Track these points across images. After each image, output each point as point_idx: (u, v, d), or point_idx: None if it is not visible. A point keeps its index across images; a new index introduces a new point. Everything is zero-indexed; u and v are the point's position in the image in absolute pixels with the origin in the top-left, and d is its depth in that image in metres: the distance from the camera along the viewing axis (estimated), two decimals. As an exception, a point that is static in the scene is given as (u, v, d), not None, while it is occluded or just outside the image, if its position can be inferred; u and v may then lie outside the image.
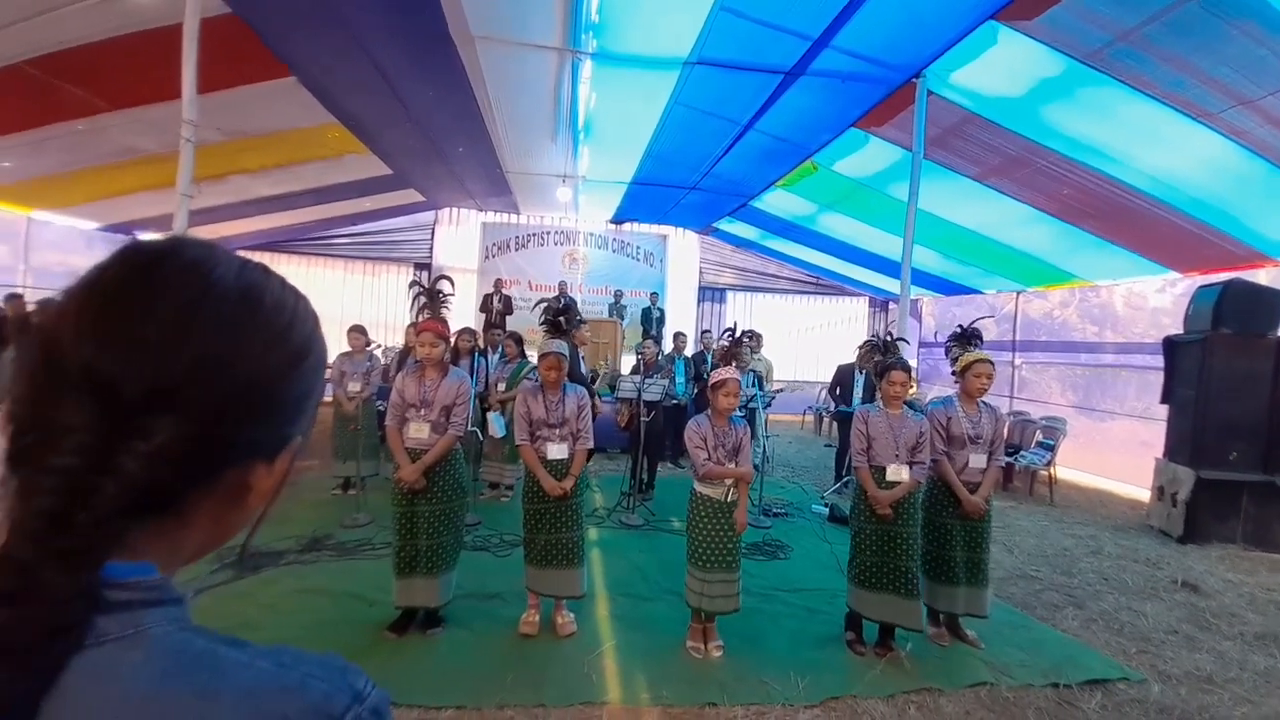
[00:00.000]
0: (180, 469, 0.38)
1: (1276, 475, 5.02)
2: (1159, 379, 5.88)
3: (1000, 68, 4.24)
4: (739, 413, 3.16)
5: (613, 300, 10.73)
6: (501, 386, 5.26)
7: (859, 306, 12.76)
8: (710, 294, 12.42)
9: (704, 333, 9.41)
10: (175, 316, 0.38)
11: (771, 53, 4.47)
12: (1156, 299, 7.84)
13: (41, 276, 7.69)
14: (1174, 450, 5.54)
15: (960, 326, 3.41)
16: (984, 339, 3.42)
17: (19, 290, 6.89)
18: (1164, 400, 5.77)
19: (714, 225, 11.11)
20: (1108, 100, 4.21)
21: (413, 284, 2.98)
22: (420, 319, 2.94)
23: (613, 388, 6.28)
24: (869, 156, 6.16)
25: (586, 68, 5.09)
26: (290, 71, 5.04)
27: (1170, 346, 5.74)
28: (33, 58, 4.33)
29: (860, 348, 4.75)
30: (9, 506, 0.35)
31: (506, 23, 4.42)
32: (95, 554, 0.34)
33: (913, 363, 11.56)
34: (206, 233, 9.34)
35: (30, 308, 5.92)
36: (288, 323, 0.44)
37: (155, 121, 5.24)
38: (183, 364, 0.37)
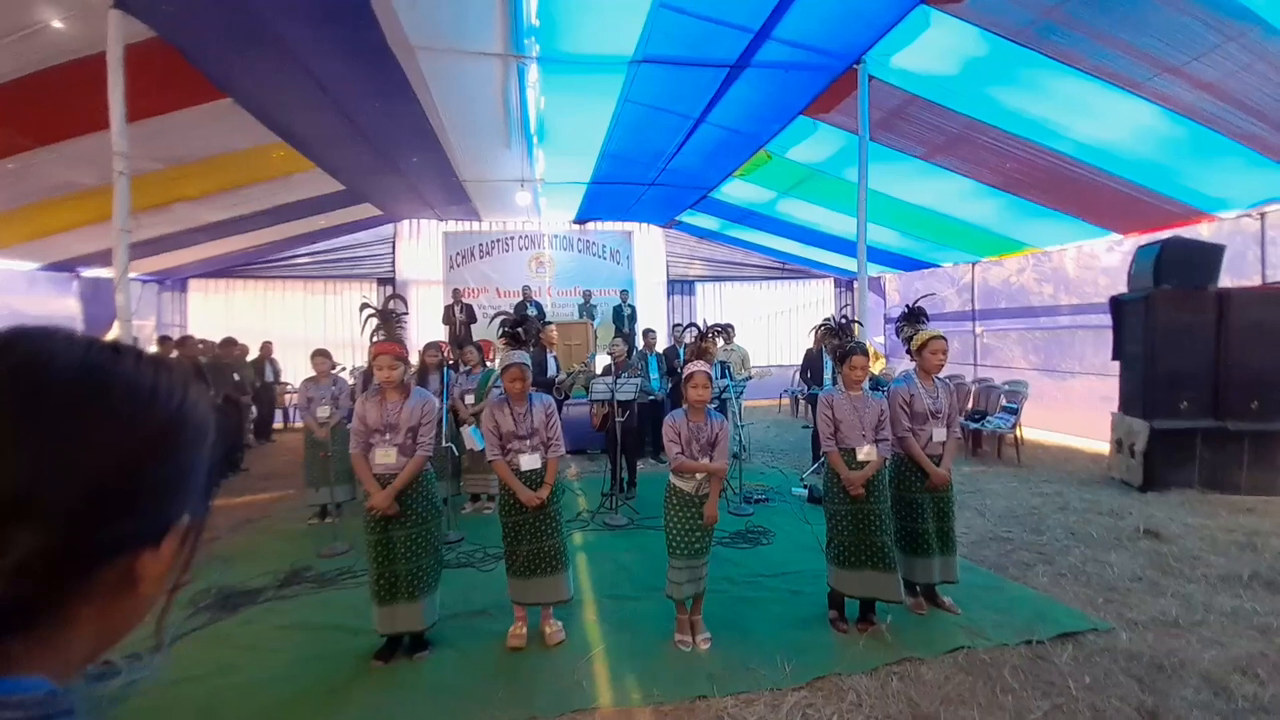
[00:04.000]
0: (47, 579, 0.36)
1: (1227, 420, 5.26)
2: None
3: (936, 50, 4.35)
4: (712, 404, 3.19)
5: (582, 301, 10.70)
6: (470, 399, 5.22)
7: (825, 288, 12.96)
8: (679, 286, 12.49)
9: (675, 326, 9.46)
10: (13, 418, 0.36)
11: (715, 47, 4.50)
12: (1107, 258, 8.14)
13: (-18, 323, 7.32)
14: (1127, 404, 5.78)
15: (906, 306, 3.51)
16: (930, 316, 3.52)
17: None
18: (1115, 357, 6.02)
19: (677, 219, 11.15)
20: (1038, 76, 4.35)
21: (363, 306, 2.91)
22: (375, 340, 2.89)
23: (587, 389, 6.29)
24: (819, 143, 6.26)
25: (533, 72, 5.05)
26: (225, 93, 4.90)
27: (1116, 305, 5.98)
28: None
29: (815, 330, 4.82)
30: None
31: (445, 31, 4.35)
32: None
33: (879, 339, 11.78)
34: (154, 264, 9.06)
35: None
36: (146, 401, 0.41)
37: (88, 154, 5.05)
38: (27, 468, 0.35)
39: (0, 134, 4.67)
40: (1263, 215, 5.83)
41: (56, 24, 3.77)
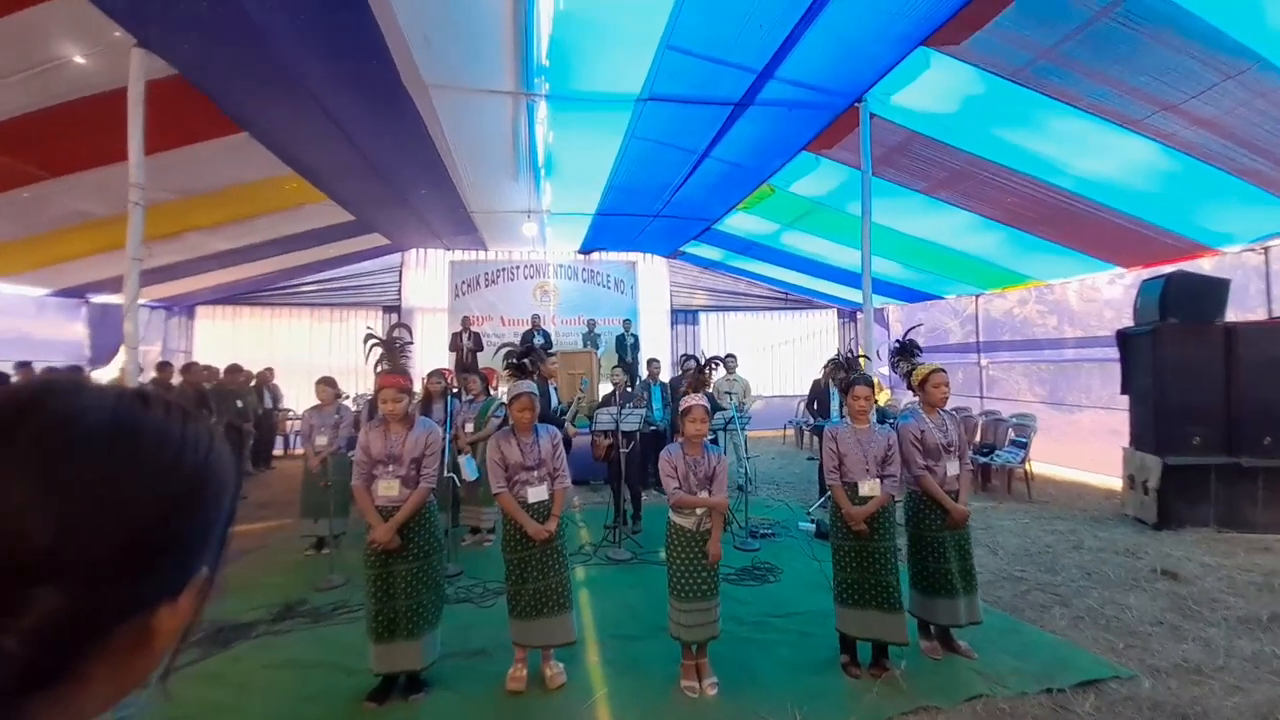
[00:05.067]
0: (68, 638, 0.35)
1: (1241, 456, 5.16)
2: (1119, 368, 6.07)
3: (936, 89, 4.44)
4: (710, 436, 3.15)
5: (586, 330, 10.73)
6: (469, 427, 5.17)
7: (828, 318, 12.99)
8: (683, 316, 12.54)
9: (681, 357, 9.45)
10: (41, 476, 0.36)
11: (720, 86, 4.61)
12: (1109, 291, 8.15)
13: (-5, 346, 7.34)
14: (1139, 439, 5.69)
15: (898, 341, 3.50)
16: (933, 347, 3.52)
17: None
18: (1124, 391, 5.96)
19: (681, 249, 11.27)
20: (1037, 114, 4.43)
21: (368, 337, 2.90)
22: (380, 370, 2.87)
23: (590, 419, 6.25)
24: (822, 177, 6.35)
25: (542, 109, 5.17)
26: (242, 127, 5.01)
27: (1123, 339, 5.95)
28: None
29: (825, 366, 4.88)
30: None
31: (458, 70, 4.47)
32: None
33: (884, 370, 11.76)
34: (163, 290, 9.13)
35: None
36: (175, 454, 0.41)
37: (101, 185, 5.14)
38: (54, 526, 0.35)
39: (17, 164, 4.76)
40: (1266, 250, 5.84)
41: (79, 60, 3.88)
